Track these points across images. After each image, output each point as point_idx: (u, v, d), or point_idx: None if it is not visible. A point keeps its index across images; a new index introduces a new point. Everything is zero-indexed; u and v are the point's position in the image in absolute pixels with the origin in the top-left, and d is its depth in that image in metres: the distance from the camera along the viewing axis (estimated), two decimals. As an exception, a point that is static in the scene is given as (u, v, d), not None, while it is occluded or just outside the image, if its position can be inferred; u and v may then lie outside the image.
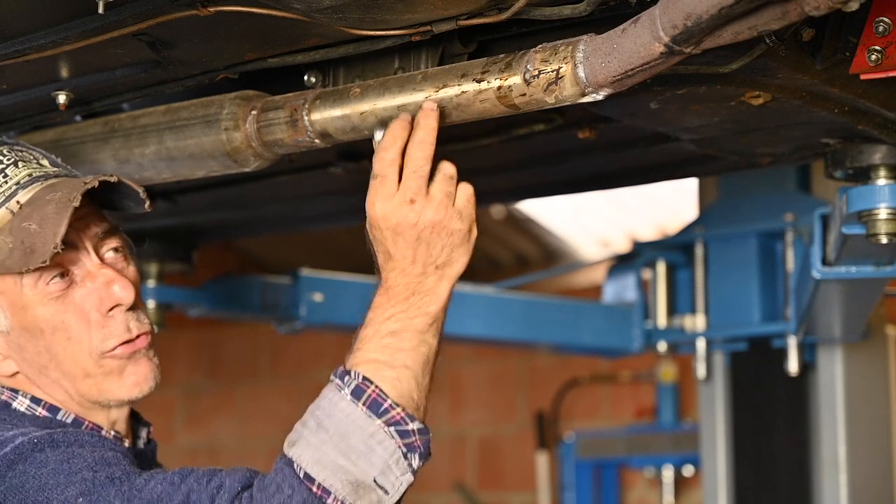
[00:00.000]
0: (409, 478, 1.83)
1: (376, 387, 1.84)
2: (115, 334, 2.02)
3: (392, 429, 1.82)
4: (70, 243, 1.99)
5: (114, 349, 2.02)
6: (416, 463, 1.83)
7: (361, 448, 1.81)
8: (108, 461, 1.90)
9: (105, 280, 2.02)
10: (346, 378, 1.85)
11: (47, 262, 1.94)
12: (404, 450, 1.82)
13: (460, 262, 1.93)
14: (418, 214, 1.89)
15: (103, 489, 1.85)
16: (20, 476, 1.87)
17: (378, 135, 1.98)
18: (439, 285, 1.91)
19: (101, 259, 2.05)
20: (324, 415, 1.84)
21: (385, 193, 1.90)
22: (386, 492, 1.81)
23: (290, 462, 1.82)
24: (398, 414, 1.83)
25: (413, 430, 1.83)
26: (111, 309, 2.02)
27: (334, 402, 1.84)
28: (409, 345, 1.88)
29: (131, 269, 2.08)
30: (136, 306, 2.05)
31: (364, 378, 1.84)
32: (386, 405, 1.83)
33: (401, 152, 1.92)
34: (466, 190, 1.94)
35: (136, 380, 2.04)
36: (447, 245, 1.91)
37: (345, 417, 1.82)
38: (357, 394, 1.83)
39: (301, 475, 1.80)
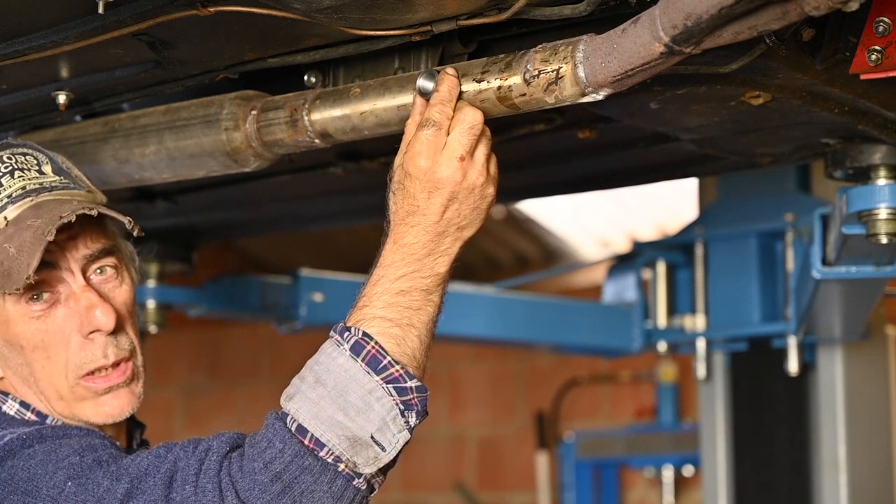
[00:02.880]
0: (406, 435, 1.83)
1: (376, 343, 1.83)
2: (91, 359, 2.01)
3: (390, 386, 1.82)
4: (54, 264, 1.98)
5: (87, 375, 2.01)
6: (413, 420, 1.83)
7: (360, 404, 1.81)
8: (94, 447, 1.91)
9: (87, 304, 2.00)
10: (346, 334, 1.85)
11: (21, 291, 1.94)
12: (402, 407, 1.82)
13: (477, 226, 1.93)
14: (464, 174, 1.88)
15: (91, 471, 1.85)
16: (9, 471, 1.88)
17: (427, 83, 1.93)
18: (454, 245, 1.91)
19: (88, 280, 2.03)
20: (322, 370, 1.84)
21: (436, 146, 1.88)
22: (383, 448, 1.81)
23: (280, 416, 1.83)
24: (397, 371, 1.82)
25: (411, 388, 1.83)
26: (91, 332, 2.01)
27: (333, 357, 1.84)
28: (416, 304, 1.87)
29: (122, 290, 2.06)
30: (121, 330, 2.04)
31: (364, 334, 1.84)
32: (385, 362, 1.82)
33: (454, 110, 1.91)
34: (494, 158, 1.94)
35: (111, 411, 2.03)
36: (477, 208, 1.91)
37: (343, 373, 1.82)
38: (356, 350, 1.83)
39: (293, 428, 1.81)
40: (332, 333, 1.87)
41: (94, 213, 1.98)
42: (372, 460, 1.81)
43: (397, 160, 1.93)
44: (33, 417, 2.03)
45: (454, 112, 1.90)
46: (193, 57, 2.14)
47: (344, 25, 1.94)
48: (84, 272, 2.02)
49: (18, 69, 2.15)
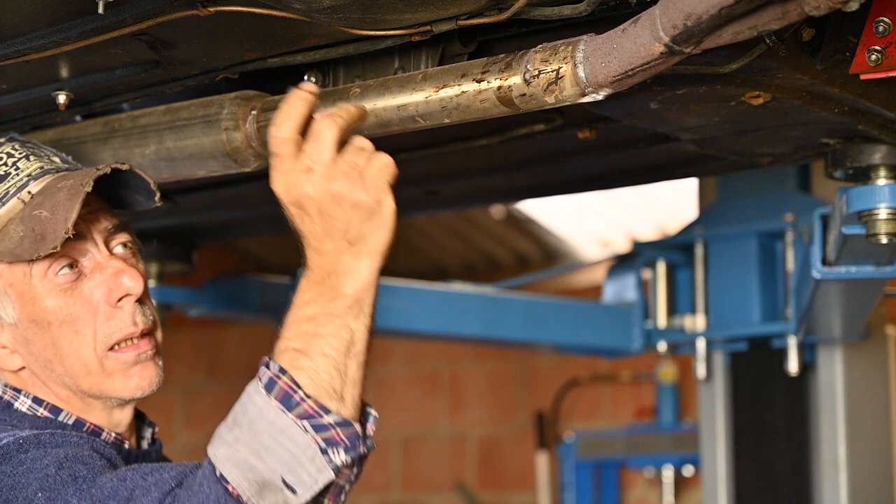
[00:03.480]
0: (329, 475, 1.73)
1: (289, 378, 1.75)
2: (121, 327, 2.01)
3: (305, 422, 1.73)
4: (80, 234, 1.99)
5: (117, 345, 2.02)
6: (340, 458, 1.73)
7: (271, 444, 1.73)
8: (80, 458, 1.87)
9: (114, 271, 2.02)
10: (263, 370, 1.78)
11: (58, 248, 1.94)
12: (322, 445, 1.72)
13: (375, 237, 1.80)
14: (315, 185, 1.79)
15: (63, 487, 1.82)
16: (0, 476, 1.87)
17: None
18: (357, 263, 1.79)
19: (111, 252, 2.05)
20: (241, 410, 1.77)
21: (283, 168, 1.82)
22: (293, 491, 1.72)
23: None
24: (311, 407, 1.73)
25: (330, 424, 1.73)
26: (120, 300, 2.02)
27: (250, 396, 1.77)
28: (326, 330, 1.78)
29: (141, 266, 2.09)
30: (144, 301, 2.06)
31: (280, 369, 1.76)
32: (297, 397, 1.74)
33: (298, 128, 1.83)
34: (381, 160, 1.82)
35: (139, 383, 2.04)
36: (353, 219, 1.79)
37: (258, 412, 1.75)
38: (269, 386, 1.75)
39: (218, 473, 1.75)
40: (259, 369, 1.81)
41: (125, 167, 2.01)
42: None
43: None
44: (46, 413, 2.03)
45: (311, 124, 1.83)
46: (193, 57, 2.14)
47: (344, 25, 1.94)
48: (107, 245, 2.05)
49: (18, 69, 2.15)
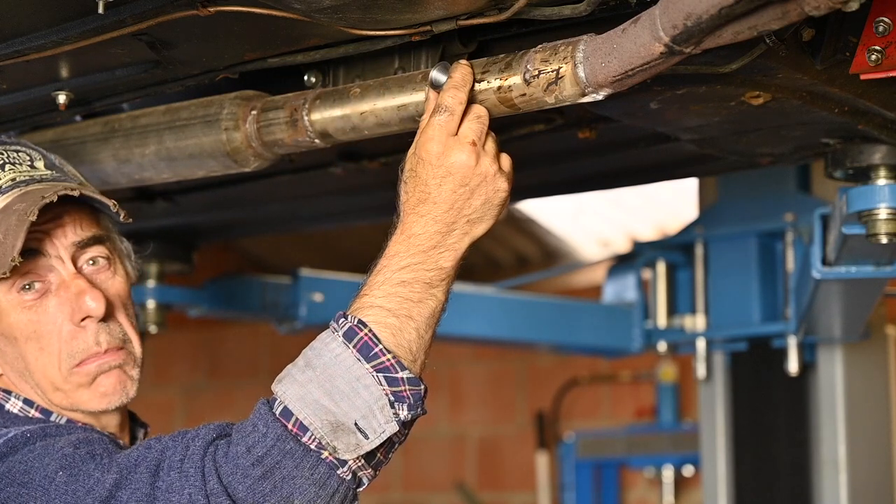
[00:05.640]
0: (394, 427, 1.79)
1: (370, 331, 1.81)
2: (83, 348, 2.01)
3: (380, 375, 1.79)
4: (42, 252, 1.99)
5: (81, 363, 2.01)
6: (403, 413, 1.80)
7: (346, 390, 1.79)
8: (91, 441, 1.91)
9: (77, 290, 2.01)
10: (342, 321, 1.83)
11: (7, 275, 1.94)
12: (391, 398, 1.79)
13: (487, 224, 1.90)
14: (477, 158, 1.87)
15: (83, 463, 1.85)
16: (9, 465, 1.88)
17: (439, 75, 1.92)
18: (461, 241, 1.88)
19: (78, 269, 2.03)
20: (314, 354, 1.82)
21: (448, 130, 1.87)
22: (366, 436, 1.78)
23: (266, 401, 1.82)
24: (388, 361, 1.80)
25: (402, 379, 1.80)
26: (83, 320, 2.01)
27: (326, 343, 1.83)
28: (417, 296, 1.85)
29: (116, 281, 2.06)
30: (112, 318, 2.04)
31: (359, 321, 1.82)
32: (376, 350, 1.80)
33: (467, 98, 1.90)
34: (509, 159, 1.93)
35: (105, 391, 2.03)
36: (488, 202, 1.89)
37: (333, 358, 1.80)
38: (349, 336, 1.81)
39: (278, 412, 1.80)
40: (331, 322, 1.86)
41: (75, 193, 1.98)
42: (353, 447, 1.79)
43: (410, 149, 1.91)
44: (37, 415, 2.03)
45: (470, 102, 1.90)
46: (193, 57, 2.14)
47: (344, 25, 1.94)
48: (75, 262, 2.03)
49: (18, 69, 2.15)
